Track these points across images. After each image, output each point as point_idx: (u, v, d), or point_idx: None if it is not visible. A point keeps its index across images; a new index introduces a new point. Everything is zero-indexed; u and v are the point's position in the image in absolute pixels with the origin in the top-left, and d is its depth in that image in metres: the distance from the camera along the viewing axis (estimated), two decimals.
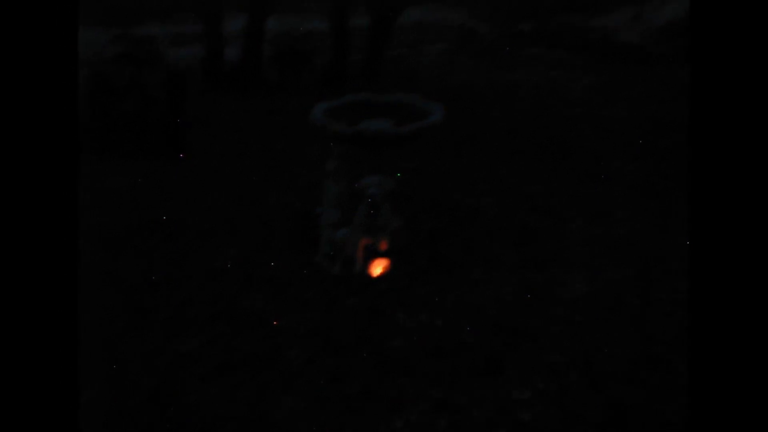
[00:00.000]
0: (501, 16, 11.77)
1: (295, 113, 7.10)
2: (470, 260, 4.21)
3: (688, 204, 2.01)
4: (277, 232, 4.62)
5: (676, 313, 3.63)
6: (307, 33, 9.85)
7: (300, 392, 3.16)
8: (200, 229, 4.68)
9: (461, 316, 3.67)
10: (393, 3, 8.05)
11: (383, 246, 4.09)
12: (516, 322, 3.61)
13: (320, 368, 3.31)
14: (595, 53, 9.63)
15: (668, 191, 5.11)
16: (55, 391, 1.91)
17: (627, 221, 4.69)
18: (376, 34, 8.10)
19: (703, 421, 1.89)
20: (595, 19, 10.67)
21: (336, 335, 3.53)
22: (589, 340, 3.46)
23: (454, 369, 3.27)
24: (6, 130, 1.90)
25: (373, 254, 4.07)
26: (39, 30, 1.96)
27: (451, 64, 9.31)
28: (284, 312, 3.74)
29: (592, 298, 3.81)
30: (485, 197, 5.09)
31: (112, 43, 6.45)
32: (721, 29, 1.95)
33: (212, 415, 3.04)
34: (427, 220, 4.73)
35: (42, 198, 1.95)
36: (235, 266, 4.20)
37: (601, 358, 3.33)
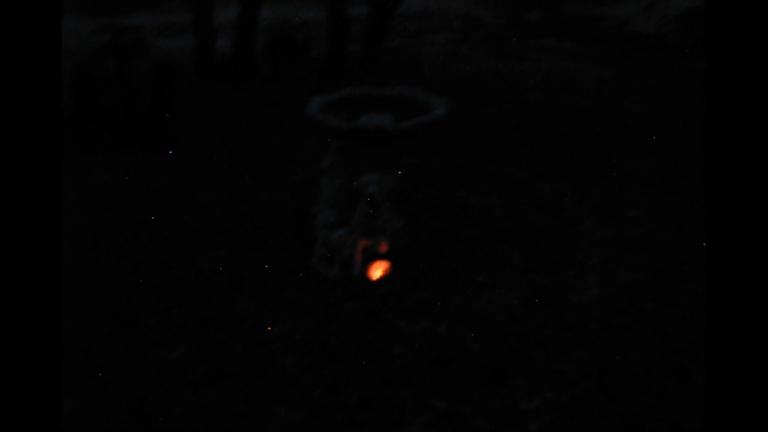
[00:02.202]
0: (507, 4, 11.76)
1: (290, 107, 7.08)
2: (475, 263, 4.19)
3: (704, 202, 1.99)
4: (270, 232, 4.60)
5: (695, 318, 3.61)
6: (303, 23, 9.84)
7: (295, 403, 3.14)
8: (189, 229, 4.66)
9: (466, 321, 3.66)
10: None
11: (383, 247, 4.07)
12: (524, 329, 3.59)
13: (317, 377, 3.29)
14: (607, 43, 9.61)
15: (685, 189, 5.09)
16: (37, 401, 1.89)
17: (642, 221, 4.67)
18: (375, 24, 8.08)
19: None
20: (606, 8, 10.66)
21: (333, 342, 3.52)
22: (601, 347, 3.44)
23: (459, 378, 3.25)
24: None
25: (373, 256, 4.06)
26: (21, 19, 1.94)
27: (455, 56, 9.29)
28: (278, 317, 3.73)
29: (604, 303, 3.79)
30: (491, 196, 5.08)
31: (96, 32, 6.44)
32: (740, 17, 1.93)
33: (202, 427, 3.02)
34: (430, 220, 4.71)
35: (23, 196, 1.93)
36: (226, 268, 4.19)
37: (615, 366, 3.31)
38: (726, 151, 1.96)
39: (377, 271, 4.04)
